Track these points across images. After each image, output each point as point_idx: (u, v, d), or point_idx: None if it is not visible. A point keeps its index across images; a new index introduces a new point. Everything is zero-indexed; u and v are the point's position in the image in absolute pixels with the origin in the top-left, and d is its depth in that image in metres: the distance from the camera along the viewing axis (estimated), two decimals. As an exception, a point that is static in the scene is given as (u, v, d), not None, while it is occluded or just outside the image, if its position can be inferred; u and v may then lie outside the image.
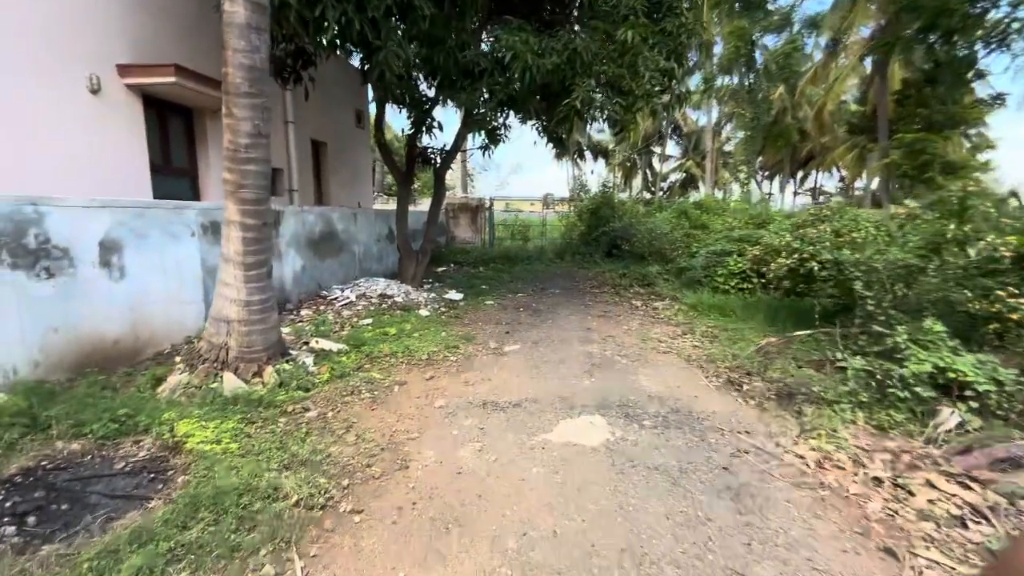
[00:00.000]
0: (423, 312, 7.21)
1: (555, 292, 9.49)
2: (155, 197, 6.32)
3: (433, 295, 8.53)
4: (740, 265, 7.97)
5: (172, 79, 6.00)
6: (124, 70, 5.87)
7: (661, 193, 38.93)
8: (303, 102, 9.27)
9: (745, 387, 4.29)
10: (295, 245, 7.53)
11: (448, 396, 4.10)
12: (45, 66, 5.43)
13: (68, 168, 5.54)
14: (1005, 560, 0.89)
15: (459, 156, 16.81)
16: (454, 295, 8.65)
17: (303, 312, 7.03)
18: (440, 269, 12.44)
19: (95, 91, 5.66)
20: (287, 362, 4.49)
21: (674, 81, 7.72)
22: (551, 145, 9.82)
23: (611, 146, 45.82)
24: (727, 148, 41.50)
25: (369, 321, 6.56)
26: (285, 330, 5.84)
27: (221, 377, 4.09)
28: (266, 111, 4.00)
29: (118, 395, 3.91)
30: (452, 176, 29.41)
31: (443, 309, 7.59)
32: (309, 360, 4.71)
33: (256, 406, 3.69)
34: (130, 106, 6.14)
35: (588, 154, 46.23)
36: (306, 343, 5.44)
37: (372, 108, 11.18)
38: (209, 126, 7.50)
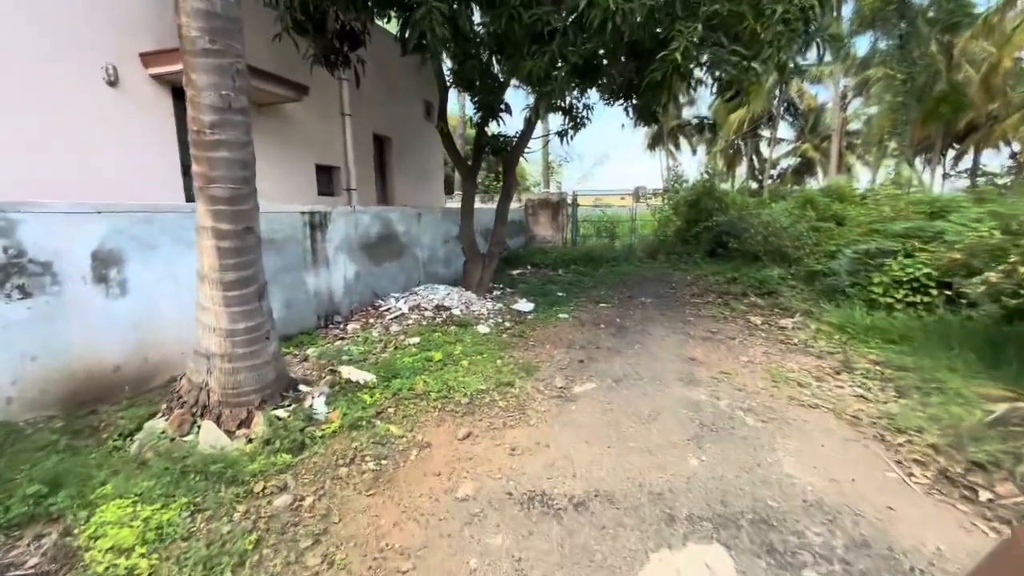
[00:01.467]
0: (482, 328, 6.00)
1: (646, 302, 7.83)
2: (189, 198, 5.75)
3: (499, 305, 7.31)
4: (910, 270, 5.76)
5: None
6: (148, 59, 5.31)
7: (770, 182, 34.52)
8: (363, 94, 8.51)
9: (985, 495, 2.48)
10: (346, 249, 6.69)
11: (480, 477, 2.80)
12: (57, 56, 4.97)
13: (82, 170, 5.05)
14: (1008, 548, 0.90)
15: (538, 148, 15.46)
16: (523, 305, 7.36)
17: (351, 326, 6.15)
18: (515, 272, 11.23)
19: (112, 83, 5.13)
20: (289, 405, 3.49)
21: (812, 24, 5.72)
22: (641, 123, 8.14)
23: (710, 134, 41.87)
24: (852, 127, 35.89)
25: (416, 340, 5.48)
26: (312, 352, 4.92)
27: (199, 427, 3.17)
28: (239, 76, 2.97)
29: (82, 446, 3.12)
30: (533, 170, 28.17)
31: (507, 324, 6.32)
32: (320, 401, 3.67)
33: (218, 480, 2.67)
34: (156, 99, 5.59)
35: (684, 142, 42.66)
36: (333, 371, 4.45)
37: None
38: (254, 121, 6.89)
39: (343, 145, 7.39)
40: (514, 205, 15.20)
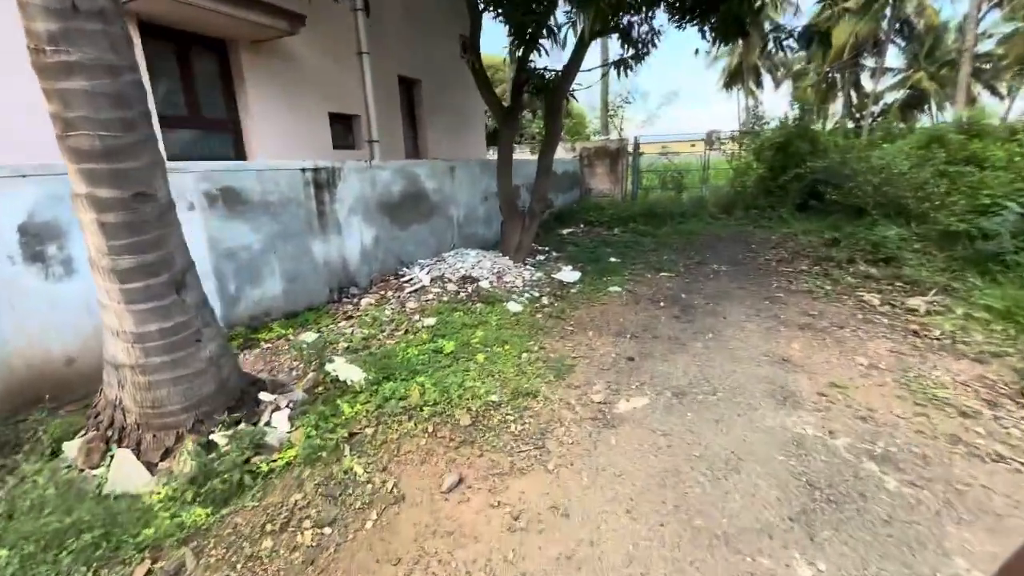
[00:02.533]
0: (513, 306, 4.95)
1: (719, 270, 6.39)
2: (173, 158, 5.01)
3: (539, 274, 6.19)
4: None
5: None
6: None
7: (872, 120, 29.75)
8: (385, 29, 7.35)
9: None
10: (362, 211, 5.79)
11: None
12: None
13: (26, 125, 4.35)
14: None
15: (593, 84, 13.61)
16: (568, 274, 6.19)
17: (365, 300, 5.33)
18: (565, 231, 9.97)
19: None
20: (237, 424, 2.68)
21: None
22: (723, 42, 6.39)
23: (799, 66, 36.74)
24: (980, 48, 29.94)
25: (431, 322, 4.55)
26: (307, 338, 4.12)
27: (112, 456, 2.43)
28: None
29: (-13, 470, 2.49)
30: (593, 118, 25.72)
31: (544, 300, 5.22)
32: (283, 416, 2.84)
33: (92, 554, 1.90)
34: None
35: (767, 79, 37.76)
36: (322, 364, 3.63)
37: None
38: (247, 62, 5.97)
39: (362, 90, 6.35)
40: (567, 155, 13.67)
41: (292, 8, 5.54)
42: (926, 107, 36.45)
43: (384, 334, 4.38)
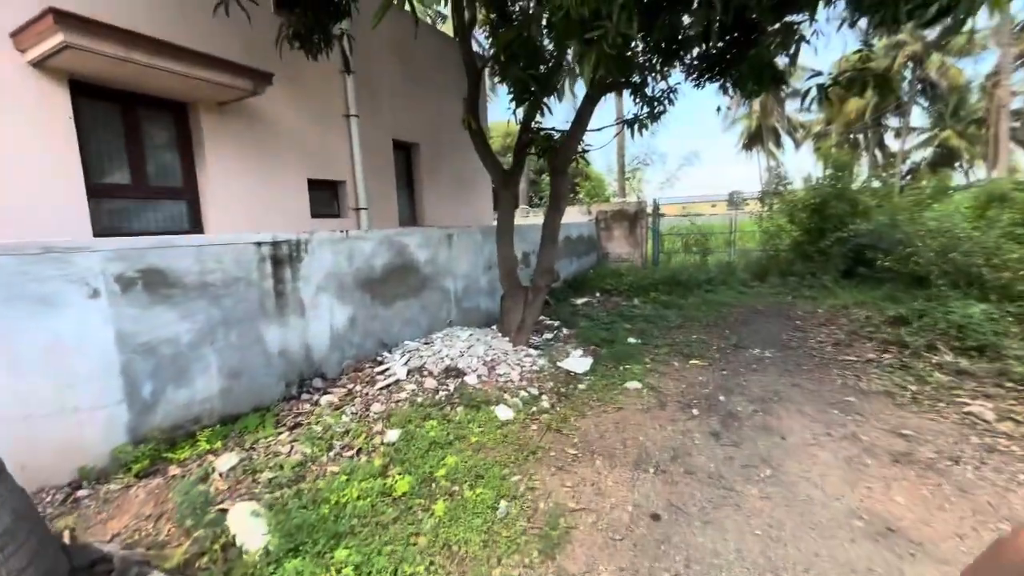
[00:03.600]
0: (502, 411, 3.89)
1: (763, 357, 5.24)
2: (104, 232, 4.31)
3: (541, 362, 5.15)
4: None
5: (56, 39, 3.72)
6: (21, 38, 3.87)
7: (900, 179, 28.70)
8: (378, 90, 6.87)
9: None
10: (334, 289, 4.96)
11: None
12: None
13: None
14: (1005, 544, 0.87)
15: (606, 144, 13.06)
16: (577, 361, 5.13)
17: (326, 398, 4.35)
18: (579, 301, 8.98)
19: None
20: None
21: None
22: (746, 97, 5.61)
23: (819, 127, 36.58)
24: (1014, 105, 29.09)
25: (394, 436, 3.51)
26: (228, 463, 3.12)
27: None
28: None
29: None
30: (611, 181, 25.44)
31: (543, 402, 4.14)
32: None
33: None
34: (41, 97, 4.16)
35: (787, 141, 37.60)
36: (222, 509, 2.61)
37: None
38: (208, 124, 5.40)
39: (348, 154, 5.75)
40: (584, 218, 12.96)
41: (258, 66, 5.03)
42: (957, 165, 35.39)
43: (329, 455, 3.35)
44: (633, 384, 4.45)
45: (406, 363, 4.75)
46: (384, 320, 5.58)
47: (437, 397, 4.14)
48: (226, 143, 5.52)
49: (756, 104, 34.77)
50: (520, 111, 5.82)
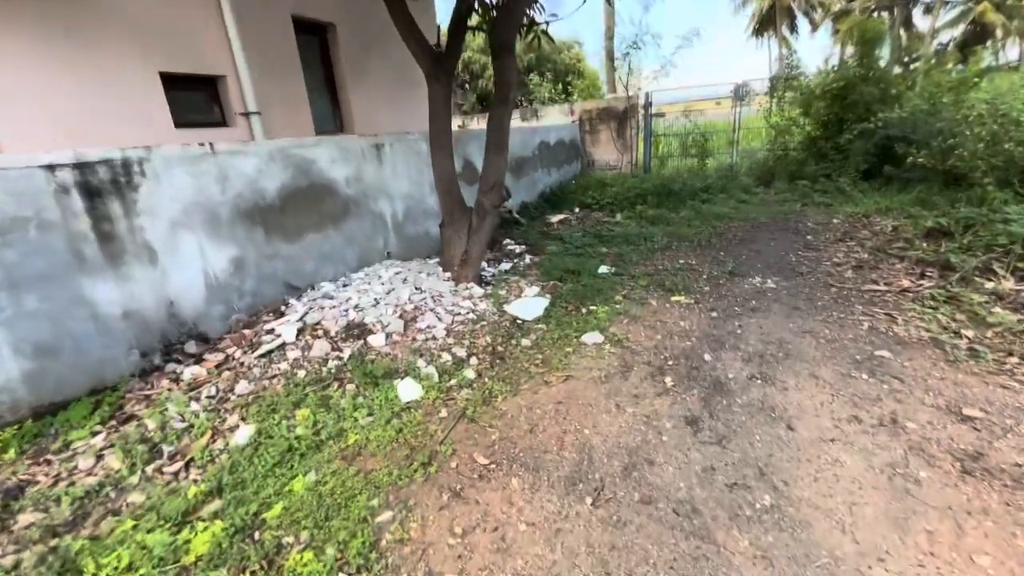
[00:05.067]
0: (407, 388, 2.83)
1: (764, 289, 4.09)
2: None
3: (484, 306, 4.03)
4: None
5: None
6: None
7: (925, 62, 25.60)
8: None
9: None
10: (201, 223, 3.72)
11: None
12: None
13: None
14: None
15: (601, 36, 10.84)
16: (527, 304, 4.02)
17: (191, 370, 3.29)
18: (555, 218, 7.70)
19: None
20: None
21: None
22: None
23: (839, 4, 32.41)
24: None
25: (244, 436, 2.49)
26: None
27: None
28: None
29: None
30: (602, 73, 22.37)
31: (468, 371, 3.07)
32: None
33: None
34: None
35: (804, 24, 33.52)
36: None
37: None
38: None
39: (223, 38, 4.18)
40: (564, 120, 11.20)
41: None
42: (988, 44, 31.74)
43: (145, 473, 2.34)
44: (593, 337, 3.35)
45: (301, 318, 3.63)
46: (290, 258, 4.39)
47: (325, 369, 3.07)
48: (20, 27, 3.90)
49: (771, -22, 30.50)
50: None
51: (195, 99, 4.62)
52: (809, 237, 5.51)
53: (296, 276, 4.48)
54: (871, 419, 2.26)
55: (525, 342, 3.37)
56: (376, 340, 3.29)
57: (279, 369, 3.11)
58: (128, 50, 4.17)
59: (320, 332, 3.43)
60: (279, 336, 3.40)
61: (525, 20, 5.28)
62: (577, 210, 8.30)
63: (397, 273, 4.42)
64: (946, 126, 6.38)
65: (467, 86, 24.69)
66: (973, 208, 4.81)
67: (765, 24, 32.26)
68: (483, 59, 19.00)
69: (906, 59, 29.20)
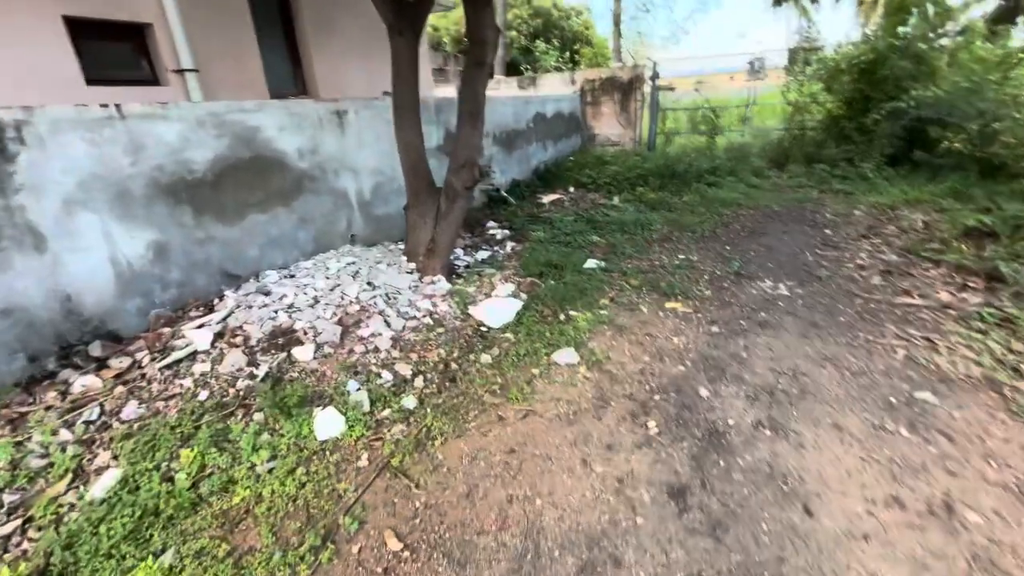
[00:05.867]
0: (327, 422, 2.26)
1: (776, 295, 3.47)
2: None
3: (445, 307, 3.43)
4: None
5: None
6: None
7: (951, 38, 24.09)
8: None
9: None
10: (108, 202, 3.10)
11: None
12: None
13: None
14: None
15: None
16: (496, 307, 3.41)
17: (84, 382, 2.72)
18: (547, 199, 7.02)
19: None
20: None
21: None
22: None
23: (866, -25, 30.52)
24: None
25: (106, 486, 1.94)
26: None
27: None
28: None
29: None
30: (603, 31, 21.04)
31: (411, 394, 2.49)
32: None
33: None
34: None
35: (826, -8, 31.64)
36: None
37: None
38: None
39: None
40: (565, 90, 10.33)
41: None
42: (1020, 21, 29.95)
43: (-38, 537, 1.79)
44: (567, 355, 2.75)
45: (224, 319, 3.03)
46: (228, 243, 3.78)
47: (233, 390, 2.49)
48: None
49: (795, -57, 28.54)
50: None
51: (114, 51, 3.87)
52: (828, 231, 4.84)
53: (236, 263, 3.88)
54: (917, 503, 1.68)
55: (485, 358, 2.78)
56: (303, 353, 2.70)
57: (181, 387, 2.54)
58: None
59: (239, 339, 2.84)
60: (190, 343, 2.81)
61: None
62: (572, 189, 7.61)
63: (351, 264, 3.80)
64: (989, 107, 5.61)
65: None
66: (1005, 196, 4.13)
67: (786, -8, 30.41)
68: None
69: (932, 34, 27.59)
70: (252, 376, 2.55)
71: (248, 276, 3.93)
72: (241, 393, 2.44)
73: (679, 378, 2.50)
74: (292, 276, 3.70)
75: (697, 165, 7.59)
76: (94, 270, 3.07)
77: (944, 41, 7.25)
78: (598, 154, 9.20)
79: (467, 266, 4.47)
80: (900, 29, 6.85)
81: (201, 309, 3.47)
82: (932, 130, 6.19)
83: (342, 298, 3.25)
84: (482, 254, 4.78)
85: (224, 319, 3.03)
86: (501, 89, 10.96)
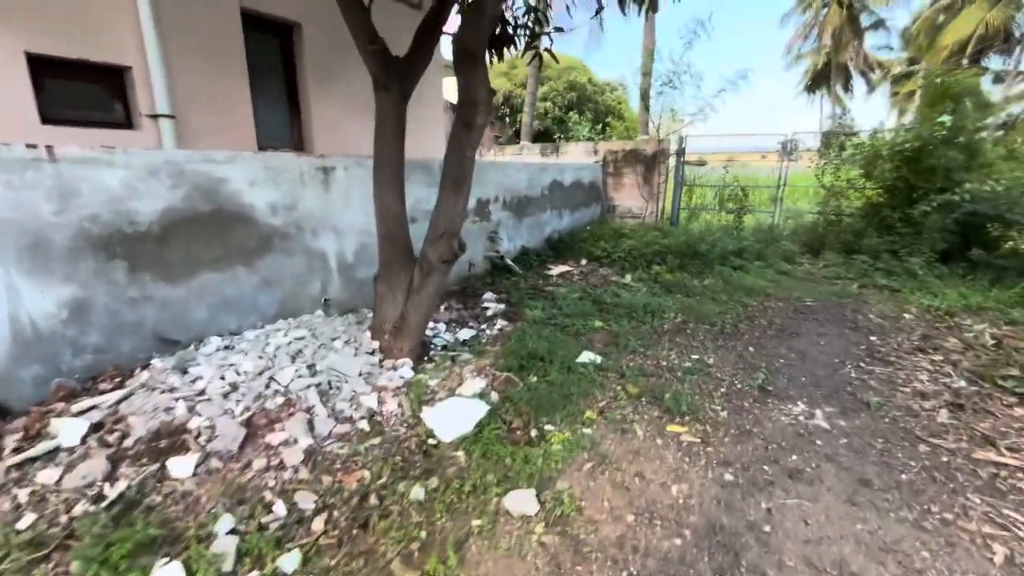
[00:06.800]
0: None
1: (810, 428, 2.69)
2: None
3: (393, 406, 2.78)
4: None
5: None
6: None
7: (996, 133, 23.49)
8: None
9: None
10: (19, 251, 2.68)
11: None
12: None
13: None
14: None
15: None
16: (455, 412, 2.74)
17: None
18: (555, 270, 6.48)
19: None
20: None
21: None
22: None
23: (899, 68, 30.82)
24: None
25: None
26: None
27: None
28: None
29: None
30: (622, 101, 21.16)
31: (294, 552, 1.81)
32: None
33: None
34: None
35: (860, 83, 31.95)
36: None
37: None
38: None
39: (133, 20, 3.26)
40: (586, 159, 10.09)
41: None
42: (1064, 120, 29.36)
43: None
44: (522, 501, 2.04)
45: (116, 403, 2.46)
46: (169, 303, 3.31)
47: (67, 516, 1.86)
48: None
49: (828, 36, 29.32)
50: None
51: (82, 90, 3.63)
52: (874, 338, 4.06)
53: (176, 327, 3.38)
54: None
55: (418, 492, 2.09)
56: (180, 466, 2.08)
57: (13, 500, 1.93)
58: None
59: (115, 436, 2.25)
60: (55, 435, 2.23)
61: (524, 33, 4.23)
62: (584, 262, 7.06)
63: (299, 339, 3.24)
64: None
65: (506, 119, 24.17)
66: None
67: (819, 81, 30.93)
68: (524, 94, 18.25)
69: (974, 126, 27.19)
70: (100, 497, 1.93)
71: (190, 341, 3.43)
72: (73, 524, 1.80)
73: (672, 561, 1.75)
74: (229, 348, 3.15)
75: (721, 245, 6.97)
76: (-20, 329, 2.59)
77: (983, 134, 6.66)
78: (616, 226, 8.72)
79: (444, 347, 3.87)
80: (941, 119, 6.31)
81: (116, 380, 2.94)
82: (992, 227, 5.46)
83: (267, 386, 2.65)
84: (466, 333, 4.18)
85: (117, 403, 2.45)
86: (524, 155, 10.82)
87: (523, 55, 4.27)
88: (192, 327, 3.47)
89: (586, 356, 3.60)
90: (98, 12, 3.51)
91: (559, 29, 4.20)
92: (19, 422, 2.55)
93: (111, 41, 3.59)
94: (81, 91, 3.66)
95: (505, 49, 4.12)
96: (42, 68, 3.45)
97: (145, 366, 3.05)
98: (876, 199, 7.17)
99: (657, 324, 4.35)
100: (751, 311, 4.77)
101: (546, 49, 4.26)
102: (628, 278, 6.01)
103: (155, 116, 3.63)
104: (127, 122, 3.85)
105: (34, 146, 2.69)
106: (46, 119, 3.48)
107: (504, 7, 4.01)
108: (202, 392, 2.54)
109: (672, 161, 9.23)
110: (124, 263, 3.10)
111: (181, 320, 3.42)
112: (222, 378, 2.64)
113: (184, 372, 2.77)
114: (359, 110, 5.67)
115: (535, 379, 3.20)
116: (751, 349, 3.82)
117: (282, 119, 5.30)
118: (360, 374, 3.02)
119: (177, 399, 2.45)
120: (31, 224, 2.69)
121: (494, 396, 2.97)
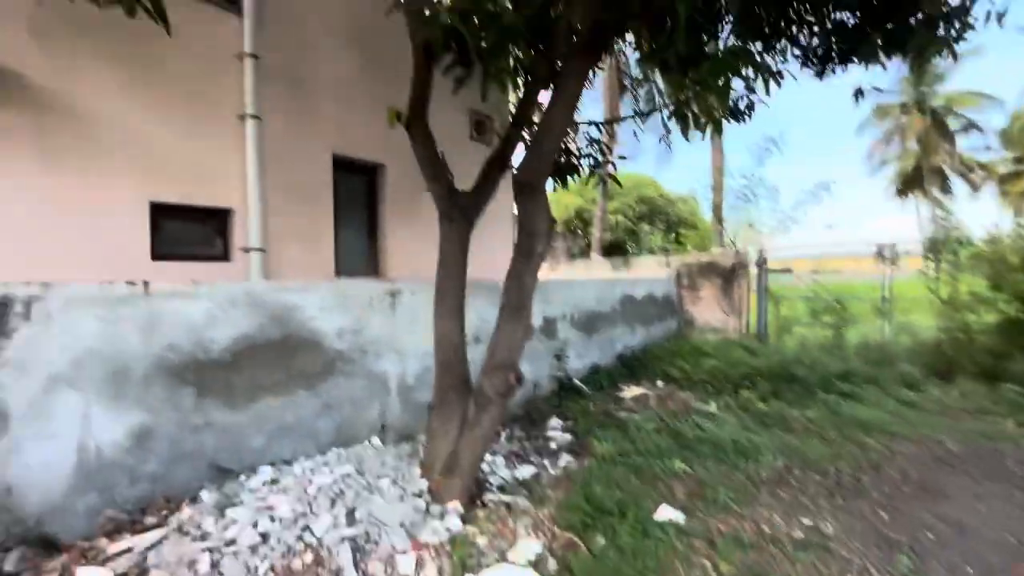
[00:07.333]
0: None
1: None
2: None
3: (433, 570, 2.38)
4: None
5: None
6: None
7: None
8: (306, 85, 4.89)
9: None
10: (98, 381, 2.83)
11: None
12: None
13: None
14: None
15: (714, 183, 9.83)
16: (506, 588, 2.28)
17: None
18: (629, 394, 5.95)
19: None
20: None
21: None
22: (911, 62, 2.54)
23: (1004, 168, 28.66)
24: None
25: None
26: None
27: None
28: None
29: None
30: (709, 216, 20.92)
31: None
32: None
33: None
34: None
35: (959, 183, 29.88)
36: None
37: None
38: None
39: (241, 171, 3.79)
40: (659, 272, 9.82)
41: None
42: None
43: None
44: None
45: (145, 551, 2.32)
46: (227, 430, 3.31)
47: None
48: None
49: (913, 139, 28.42)
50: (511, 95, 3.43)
51: (190, 230, 4.17)
52: (1060, 506, 3.06)
53: (231, 455, 3.34)
54: None
55: None
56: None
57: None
58: (121, 178, 3.83)
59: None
60: (77, 588, 2.09)
61: (587, 163, 4.34)
62: (661, 384, 6.47)
63: (343, 476, 3.02)
64: None
65: (579, 232, 25.16)
66: None
67: (910, 184, 29.40)
68: (594, 210, 19.08)
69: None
70: None
71: (243, 471, 3.34)
72: None
73: None
74: (275, 483, 3.00)
75: (823, 366, 6.11)
76: (53, 459, 2.66)
77: None
78: (696, 342, 8.09)
79: (501, 486, 3.46)
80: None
81: (163, 513, 2.85)
82: None
83: (299, 537, 2.40)
84: (526, 470, 3.76)
85: (147, 549, 2.31)
86: (593, 270, 10.82)
87: (587, 182, 4.34)
88: (247, 456, 3.41)
89: (665, 512, 3.01)
90: (213, 164, 4.12)
91: (622, 157, 4.26)
92: (58, 561, 2.47)
93: (220, 187, 4.17)
94: (189, 230, 4.18)
95: (569, 177, 4.22)
96: (160, 213, 4.01)
97: (194, 498, 2.96)
98: (1014, 314, 6.07)
99: (752, 470, 3.65)
100: (874, 456, 3.90)
101: (610, 175, 4.30)
102: (712, 406, 5.33)
103: (247, 249, 4.01)
104: (224, 255, 4.30)
105: (133, 283, 2.95)
106: (156, 256, 3.95)
107: (568, 140, 4.17)
108: (232, 542, 2.33)
109: (754, 270, 8.69)
110: (192, 390, 3.18)
111: (238, 448, 3.37)
112: (254, 525, 2.43)
113: (222, 514, 2.61)
114: (433, 237, 6.00)
115: (603, 541, 2.67)
116: (883, 515, 3.00)
117: (361, 247, 5.72)
118: (402, 524, 2.69)
119: (204, 550, 2.26)
120: (116, 355, 2.85)
121: (551, 565, 2.48)
